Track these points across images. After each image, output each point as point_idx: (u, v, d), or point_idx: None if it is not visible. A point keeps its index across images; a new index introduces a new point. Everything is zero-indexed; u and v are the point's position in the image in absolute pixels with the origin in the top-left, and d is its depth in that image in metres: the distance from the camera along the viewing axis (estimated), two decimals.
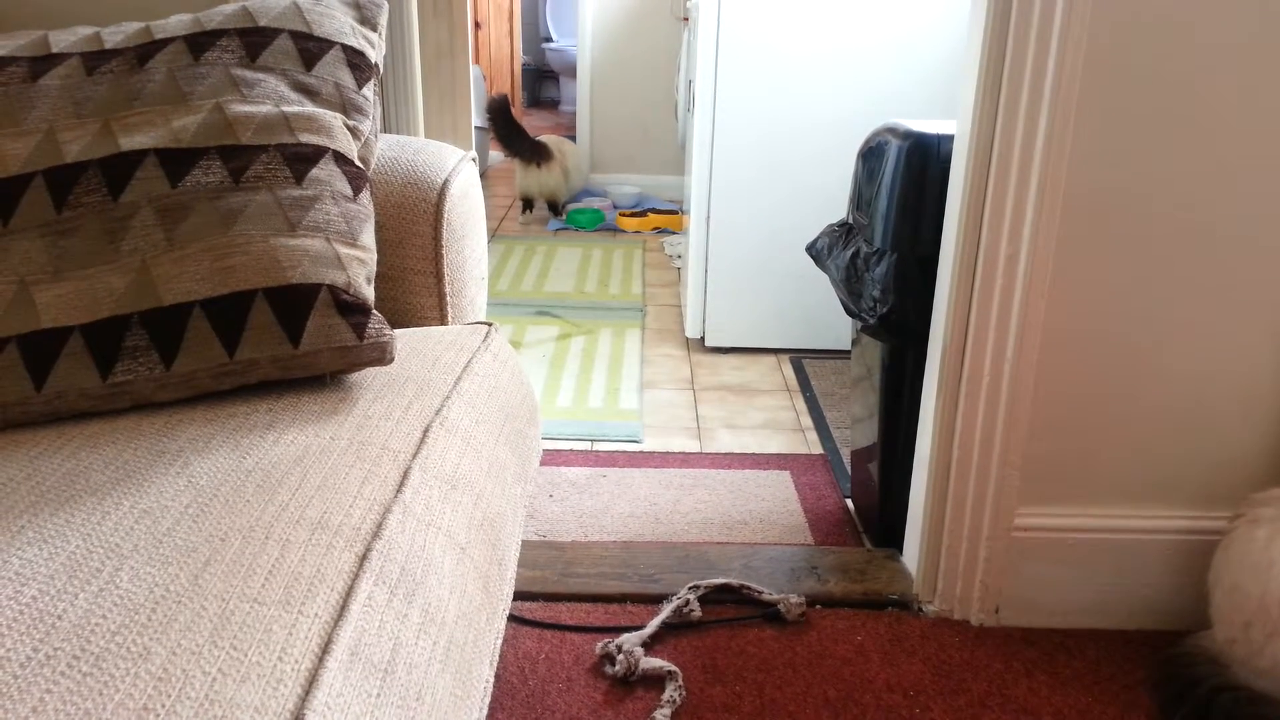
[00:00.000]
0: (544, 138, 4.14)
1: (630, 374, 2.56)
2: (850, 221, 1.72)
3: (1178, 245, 1.35)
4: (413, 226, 1.23)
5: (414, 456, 0.89)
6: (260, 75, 1.06)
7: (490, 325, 1.23)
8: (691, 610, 1.49)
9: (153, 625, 0.63)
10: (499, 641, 0.93)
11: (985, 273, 1.37)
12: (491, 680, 0.88)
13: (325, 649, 0.64)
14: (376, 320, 0.97)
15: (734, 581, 1.55)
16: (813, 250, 1.80)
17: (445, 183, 1.24)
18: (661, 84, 4.49)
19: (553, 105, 7.42)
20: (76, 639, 0.61)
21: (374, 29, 1.19)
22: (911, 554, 1.58)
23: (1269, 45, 1.26)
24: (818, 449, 2.14)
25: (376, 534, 0.76)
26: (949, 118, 1.51)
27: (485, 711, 0.85)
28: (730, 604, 1.53)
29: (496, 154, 5.06)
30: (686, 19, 3.10)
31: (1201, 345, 1.39)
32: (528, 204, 4.21)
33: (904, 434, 1.63)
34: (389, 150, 1.28)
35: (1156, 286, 1.37)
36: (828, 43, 2.47)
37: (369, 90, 1.14)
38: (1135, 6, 1.25)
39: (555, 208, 4.18)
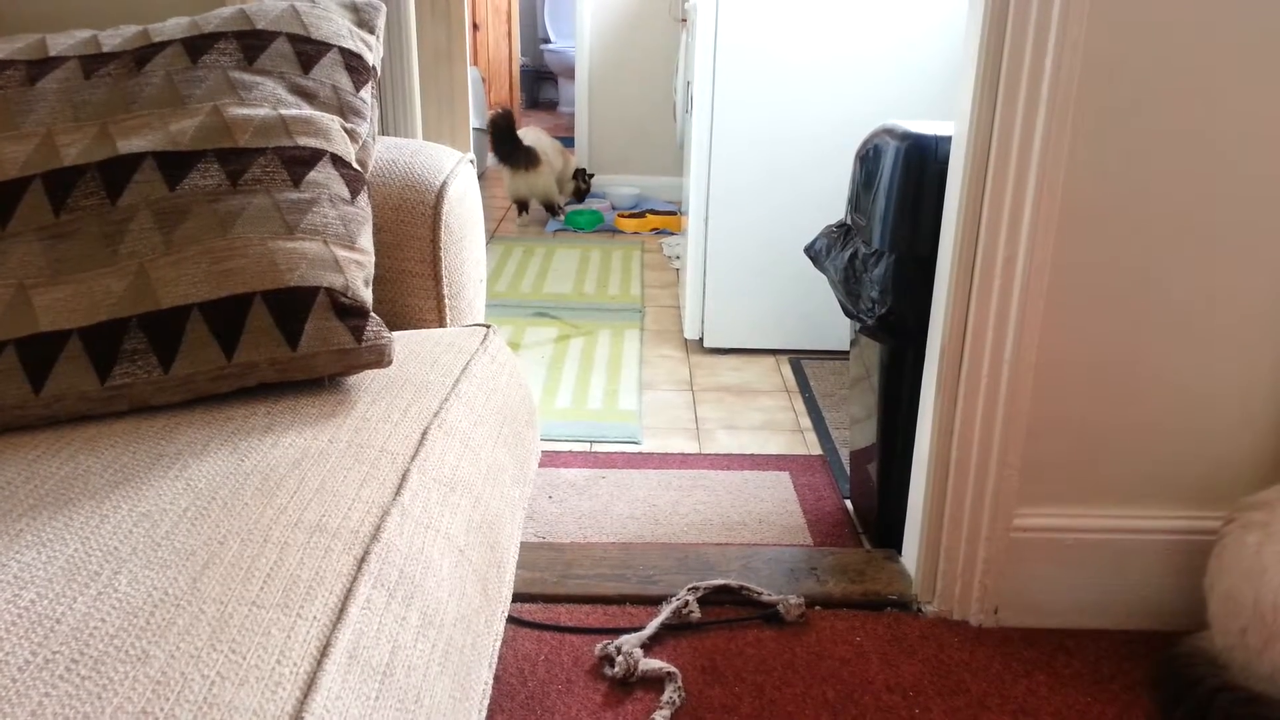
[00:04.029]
0: (525, 133, 4.13)
1: (629, 375, 2.56)
2: (848, 222, 1.72)
3: (1175, 247, 1.35)
4: (411, 229, 1.23)
5: (412, 459, 0.89)
6: (258, 78, 1.06)
7: (488, 327, 1.23)
8: (691, 611, 1.49)
9: (151, 628, 0.63)
10: (498, 643, 0.93)
11: (983, 273, 1.37)
12: (490, 682, 0.88)
13: (324, 652, 0.64)
14: (375, 323, 0.97)
15: (733, 582, 1.55)
16: (811, 251, 1.80)
17: (443, 185, 1.25)
18: (660, 85, 4.49)
19: (551, 106, 7.42)
20: (75, 642, 0.61)
21: (372, 31, 1.19)
22: (910, 555, 1.58)
23: (1267, 46, 1.27)
24: (816, 450, 2.15)
25: (375, 536, 0.76)
26: (947, 120, 1.51)
27: (484, 713, 0.85)
28: (729, 605, 1.53)
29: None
30: (684, 20, 3.10)
31: (1199, 346, 1.39)
32: (522, 206, 4.21)
33: (903, 435, 1.63)
34: (387, 152, 1.28)
35: (1154, 287, 1.37)
36: (825, 45, 2.48)
37: (367, 93, 1.14)
38: (1132, 7, 1.25)
39: (551, 208, 4.18)
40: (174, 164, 0.98)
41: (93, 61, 1.07)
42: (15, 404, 0.88)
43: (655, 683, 1.36)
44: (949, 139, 1.45)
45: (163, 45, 1.08)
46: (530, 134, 4.15)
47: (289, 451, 0.85)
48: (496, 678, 1.35)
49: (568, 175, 4.28)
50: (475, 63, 5.25)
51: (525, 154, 4.01)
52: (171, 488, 0.79)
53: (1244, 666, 1.23)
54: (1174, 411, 1.42)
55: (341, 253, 0.99)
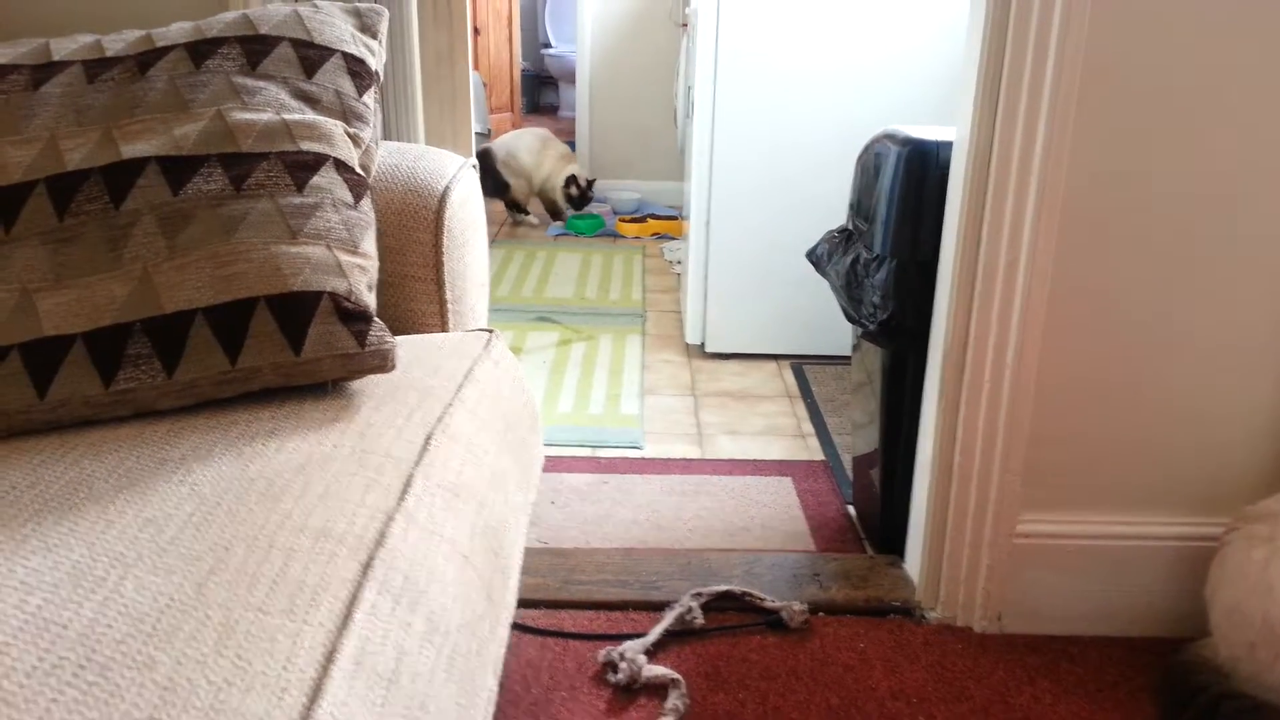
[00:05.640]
0: (518, 134, 4.14)
1: (631, 380, 2.56)
2: (850, 227, 1.72)
3: (1178, 252, 1.35)
4: (413, 233, 1.23)
5: (416, 464, 0.88)
6: (261, 83, 1.06)
7: (491, 332, 1.23)
8: (694, 618, 1.48)
9: (158, 634, 0.62)
10: (503, 649, 0.92)
11: (985, 279, 1.37)
12: (495, 689, 0.87)
13: (330, 658, 0.64)
14: (378, 327, 0.97)
15: (736, 589, 1.55)
16: (813, 256, 1.80)
17: (446, 190, 1.25)
18: (661, 90, 4.49)
19: (552, 111, 7.43)
20: (82, 648, 0.61)
21: (374, 36, 1.19)
22: (914, 561, 1.58)
23: (1271, 54, 1.27)
24: (819, 455, 2.14)
25: (380, 542, 0.76)
26: (948, 125, 1.51)
27: None
28: (733, 611, 1.53)
29: None
30: (685, 25, 3.11)
31: (1202, 352, 1.39)
32: (520, 208, 4.23)
33: (905, 440, 1.63)
34: (390, 157, 1.28)
35: (1156, 293, 1.37)
36: (827, 50, 2.48)
37: (369, 97, 1.14)
38: (1134, 14, 1.25)
39: (519, 208, 4.22)
40: (177, 168, 0.98)
41: (96, 66, 1.07)
42: (20, 408, 0.88)
43: (659, 689, 1.36)
44: (950, 144, 1.45)
45: (166, 50, 1.08)
46: (510, 138, 4.16)
47: (293, 457, 0.85)
48: (500, 684, 1.35)
49: (557, 182, 4.16)
50: (476, 67, 5.26)
51: (493, 180, 4.04)
52: (176, 493, 0.79)
53: (1251, 678, 1.22)
54: (1176, 420, 1.42)
55: (345, 257, 0.98)
